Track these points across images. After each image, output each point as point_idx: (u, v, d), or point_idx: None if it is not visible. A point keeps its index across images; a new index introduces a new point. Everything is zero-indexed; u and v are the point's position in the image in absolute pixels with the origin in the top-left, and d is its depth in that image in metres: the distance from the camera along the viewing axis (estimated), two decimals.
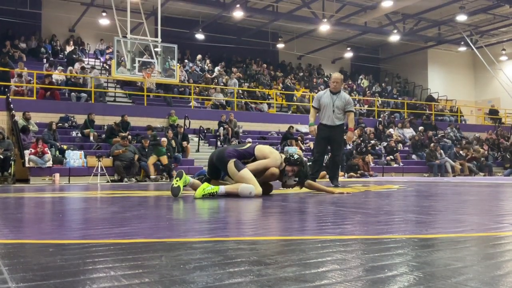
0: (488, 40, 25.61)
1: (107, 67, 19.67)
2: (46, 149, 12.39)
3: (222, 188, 4.73)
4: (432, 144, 18.24)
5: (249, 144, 5.26)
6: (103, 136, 14.58)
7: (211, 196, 4.71)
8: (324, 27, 21.80)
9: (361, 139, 16.37)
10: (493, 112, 25.03)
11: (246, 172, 4.83)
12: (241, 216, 3.35)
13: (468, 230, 2.41)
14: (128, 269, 1.47)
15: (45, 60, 19.04)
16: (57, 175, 12.09)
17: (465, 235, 2.21)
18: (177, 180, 4.88)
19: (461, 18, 21.09)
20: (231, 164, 4.86)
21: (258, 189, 4.80)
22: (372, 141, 18.24)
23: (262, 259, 1.60)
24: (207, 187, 4.71)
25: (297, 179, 5.19)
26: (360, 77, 26.90)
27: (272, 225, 2.81)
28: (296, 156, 5.25)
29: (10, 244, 2.02)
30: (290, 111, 20.85)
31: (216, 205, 4.21)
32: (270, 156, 5.07)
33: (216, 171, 5.15)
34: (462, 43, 25.06)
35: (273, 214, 3.48)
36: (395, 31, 23.21)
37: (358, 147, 15.67)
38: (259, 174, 5.03)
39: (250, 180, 4.80)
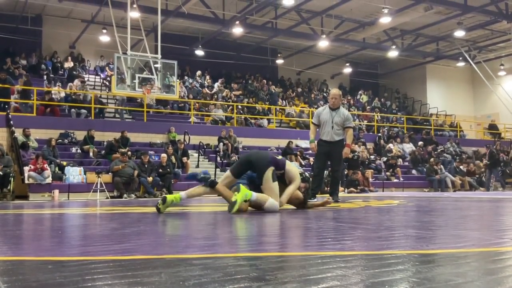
0: (486, 56, 25.77)
1: (107, 83, 19.75)
2: (45, 165, 12.38)
3: (254, 196, 4.81)
4: (432, 159, 18.23)
5: (280, 157, 5.39)
6: (103, 152, 14.58)
7: (246, 201, 4.78)
8: (323, 43, 21.94)
9: (354, 152, 16.30)
10: (493, 127, 25.06)
11: (276, 185, 5.02)
12: (240, 232, 3.34)
13: (469, 245, 2.40)
14: (127, 286, 1.46)
15: (45, 77, 19.13)
16: (56, 191, 12.06)
17: (466, 250, 2.20)
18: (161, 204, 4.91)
19: (459, 33, 21.25)
20: (270, 171, 4.99)
21: (279, 207, 5.01)
22: (372, 156, 18.24)
23: (262, 275, 1.60)
24: (241, 198, 4.70)
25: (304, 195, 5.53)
26: (359, 92, 27.00)
27: (271, 241, 2.80)
28: (306, 174, 5.62)
29: (9, 261, 2.01)
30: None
31: (215, 220, 4.20)
32: (295, 178, 5.25)
33: (244, 172, 5.18)
34: (461, 58, 25.20)
35: (272, 230, 3.47)
36: (394, 47, 23.37)
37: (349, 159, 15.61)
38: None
39: (276, 196, 4.98)
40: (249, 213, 4.76)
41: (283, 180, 5.26)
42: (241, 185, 4.85)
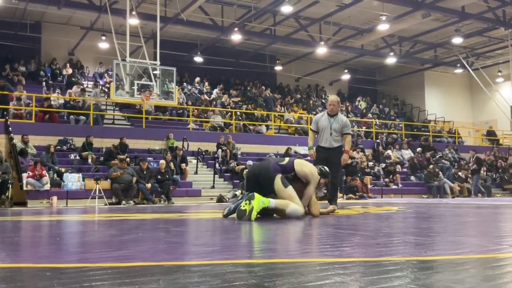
0: (484, 62, 25.86)
1: (106, 90, 19.77)
2: (44, 172, 12.36)
3: (272, 202, 4.62)
4: (431, 166, 18.25)
5: (287, 159, 5.16)
6: (101, 158, 14.56)
7: (262, 210, 4.59)
8: (321, 50, 22.03)
9: (354, 159, 16.35)
10: (491, 134, 25.11)
11: (292, 190, 4.79)
12: (238, 239, 3.33)
13: (467, 252, 2.40)
14: None
15: (44, 84, 19.14)
16: (54, 198, 12.03)
17: (464, 257, 2.20)
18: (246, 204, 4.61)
19: (457, 40, 21.34)
20: (278, 180, 4.76)
21: (302, 210, 4.80)
22: (371, 163, 18.25)
23: (261, 282, 1.60)
24: (258, 204, 4.54)
25: (325, 190, 5.31)
26: (358, 99, 27.07)
27: (270, 247, 2.80)
28: (325, 168, 5.36)
29: (7, 268, 2.01)
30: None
31: (213, 227, 4.19)
32: (311, 177, 5.03)
33: (256, 185, 4.89)
34: (458, 65, 25.28)
35: (271, 236, 3.46)
36: (392, 53, 23.45)
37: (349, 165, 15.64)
38: (299, 192, 5.05)
39: (296, 199, 4.77)
40: (248, 220, 4.75)
41: (300, 179, 5.00)
42: (255, 193, 4.63)
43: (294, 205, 4.68)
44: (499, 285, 1.57)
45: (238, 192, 13.17)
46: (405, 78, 27.59)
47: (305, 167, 5.06)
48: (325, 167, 5.43)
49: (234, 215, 4.93)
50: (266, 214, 4.83)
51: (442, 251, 2.46)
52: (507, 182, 19.65)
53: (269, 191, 4.83)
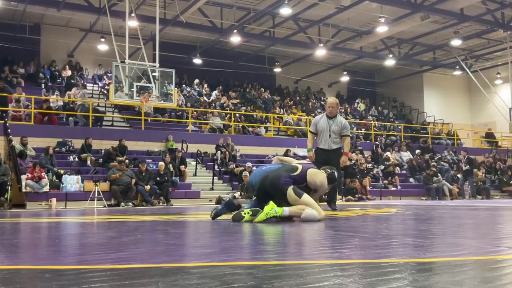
0: (482, 64, 25.90)
1: (105, 91, 19.77)
2: (43, 174, 12.35)
3: (286, 211, 4.56)
4: (430, 167, 18.26)
5: (300, 168, 4.99)
6: (100, 160, 14.56)
7: (272, 218, 4.55)
8: (320, 52, 22.06)
9: (352, 162, 16.38)
10: (490, 136, 25.13)
11: (307, 197, 4.73)
12: (237, 241, 3.33)
13: (466, 253, 2.40)
14: None
15: (43, 85, 19.14)
16: (53, 200, 12.02)
17: (463, 258, 2.20)
18: (248, 213, 4.59)
19: (456, 42, 21.37)
20: (290, 192, 4.68)
21: (322, 214, 4.75)
22: (370, 165, 18.26)
23: (259, 284, 1.60)
24: (270, 211, 4.50)
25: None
26: (357, 100, 27.09)
27: (269, 249, 2.80)
28: (334, 174, 5.30)
29: (6, 270, 2.01)
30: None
31: (212, 229, 4.19)
32: (320, 187, 5.03)
33: (269, 196, 4.78)
34: (457, 67, 25.32)
35: (269, 238, 3.46)
36: (391, 55, 23.47)
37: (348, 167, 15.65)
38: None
39: (313, 205, 4.71)
40: (248, 222, 4.75)
41: (308, 187, 4.98)
42: (271, 201, 4.58)
43: (309, 210, 4.62)
44: (497, 287, 1.58)
45: (237, 194, 13.17)
46: (404, 80, 27.62)
47: (317, 178, 5.01)
48: (334, 172, 5.37)
49: (225, 216, 4.90)
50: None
51: (441, 253, 2.46)
52: (506, 184, 19.68)
53: (281, 200, 4.77)
